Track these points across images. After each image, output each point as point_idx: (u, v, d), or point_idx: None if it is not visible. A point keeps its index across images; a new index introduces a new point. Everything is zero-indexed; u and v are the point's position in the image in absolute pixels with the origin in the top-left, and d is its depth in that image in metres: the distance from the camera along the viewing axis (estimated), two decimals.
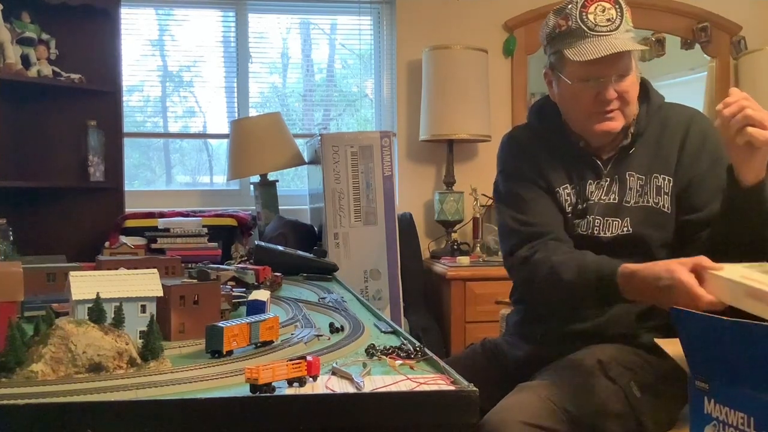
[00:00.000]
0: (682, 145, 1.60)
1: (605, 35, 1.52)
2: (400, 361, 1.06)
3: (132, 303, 1.07)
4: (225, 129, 3.64)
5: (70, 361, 0.93)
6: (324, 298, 1.71)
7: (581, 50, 1.52)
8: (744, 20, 3.80)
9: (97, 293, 1.00)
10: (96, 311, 0.99)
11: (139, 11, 3.58)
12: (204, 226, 2.91)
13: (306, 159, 3.34)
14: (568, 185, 1.64)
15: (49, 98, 3.13)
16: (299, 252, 2.27)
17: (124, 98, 3.29)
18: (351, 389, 0.92)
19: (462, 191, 3.44)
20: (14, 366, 0.92)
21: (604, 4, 1.54)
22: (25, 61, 3.01)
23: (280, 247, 2.37)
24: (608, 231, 1.60)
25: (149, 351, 1.00)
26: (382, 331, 1.32)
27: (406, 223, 3.24)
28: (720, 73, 3.80)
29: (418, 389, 0.92)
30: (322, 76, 3.91)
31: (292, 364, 0.92)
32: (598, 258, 1.48)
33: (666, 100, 1.69)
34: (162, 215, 3.02)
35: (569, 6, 1.56)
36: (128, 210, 3.16)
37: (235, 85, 3.67)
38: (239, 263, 2.17)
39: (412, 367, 1.03)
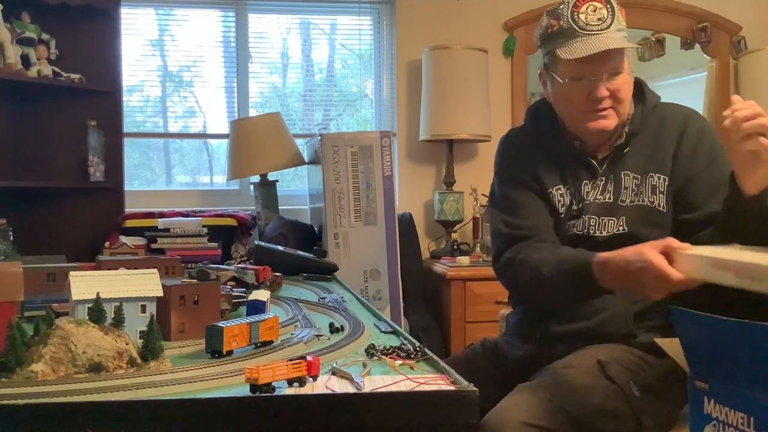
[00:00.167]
0: (679, 144, 1.60)
1: (596, 34, 1.53)
2: (400, 361, 1.06)
3: (132, 303, 1.07)
4: (225, 129, 3.64)
5: (70, 361, 0.93)
6: (324, 298, 1.71)
7: (572, 49, 1.53)
8: (744, 20, 3.80)
9: (97, 293, 1.00)
10: (96, 311, 0.99)
11: (139, 11, 3.58)
12: (204, 226, 2.91)
13: (306, 159, 3.34)
14: (561, 186, 1.65)
15: (49, 98, 3.12)
16: (299, 252, 2.27)
17: (124, 98, 3.29)
18: (351, 389, 0.92)
19: (462, 191, 3.44)
20: (14, 366, 0.92)
21: (595, 3, 1.55)
22: (25, 61, 3.00)
23: (280, 247, 2.37)
24: (604, 230, 1.60)
25: (149, 351, 1.00)
26: (382, 331, 1.32)
27: (406, 223, 3.24)
28: (720, 73, 3.80)
29: (418, 389, 0.92)
30: (322, 76, 3.91)
31: (292, 364, 0.92)
32: (574, 251, 1.50)
33: (663, 100, 1.69)
34: (162, 215, 3.02)
35: (561, 6, 1.57)
36: (128, 210, 3.16)
37: (235, 85, 3.67)
38: (239, 263, 2.17)
39: (412, 367, 1.03)
